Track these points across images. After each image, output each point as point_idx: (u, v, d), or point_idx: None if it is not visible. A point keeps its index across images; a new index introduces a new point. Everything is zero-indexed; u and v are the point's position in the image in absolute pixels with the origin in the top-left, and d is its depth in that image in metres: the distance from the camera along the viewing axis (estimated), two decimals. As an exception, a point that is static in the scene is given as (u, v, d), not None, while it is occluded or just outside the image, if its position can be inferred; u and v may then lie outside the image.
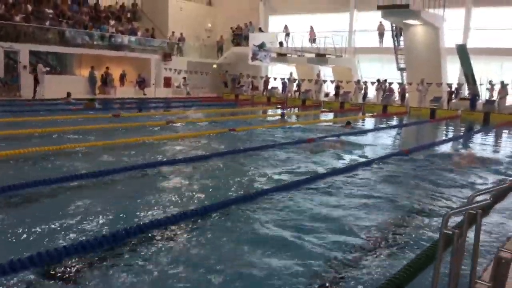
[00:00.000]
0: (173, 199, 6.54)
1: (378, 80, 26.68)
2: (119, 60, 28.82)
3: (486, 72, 23.83)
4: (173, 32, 31.80)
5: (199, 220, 5.57)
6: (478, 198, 3.01)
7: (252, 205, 6.32)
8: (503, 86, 22.79)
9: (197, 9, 34.68)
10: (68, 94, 21.01)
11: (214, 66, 34.18)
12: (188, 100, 26.57)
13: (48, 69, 23.78)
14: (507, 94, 22.96)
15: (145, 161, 8.77)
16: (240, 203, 6.32)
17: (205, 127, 14.75)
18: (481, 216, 3.04)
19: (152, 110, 20.67)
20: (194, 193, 6.87)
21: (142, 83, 28.26)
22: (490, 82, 23.41)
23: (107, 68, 27.50)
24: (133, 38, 29.50)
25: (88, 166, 8.16)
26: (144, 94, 27.46)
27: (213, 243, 4.89)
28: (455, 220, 5.39)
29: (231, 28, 33.88)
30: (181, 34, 32.12)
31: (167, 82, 30.48)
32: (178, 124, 14.95)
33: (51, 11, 26.81)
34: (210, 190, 7.07)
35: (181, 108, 21.08)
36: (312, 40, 29.90)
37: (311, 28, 30.34)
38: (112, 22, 29.67)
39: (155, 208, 6.02)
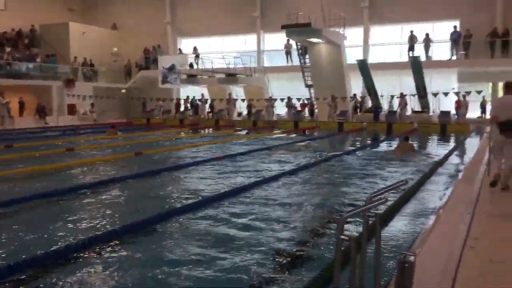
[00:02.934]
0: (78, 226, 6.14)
1: (288, 98, 27.24)
2: (17, 89, 26.78)
3: (386, 84, 25.25)
4: (75, 57, 30.31)
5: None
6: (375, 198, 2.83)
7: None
8: (402, 97, 24.24)
9: (102, 34, 33.42)
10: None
11: (123, 91, 33.02)
12: (95, 126, 25.24)
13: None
14: (406, 105, 24.47)
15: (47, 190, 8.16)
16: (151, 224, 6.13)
17: (110, 152, 13.98)
18: (380, 218, 2.86)
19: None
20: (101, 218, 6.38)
21: (42, 111, 26.41)
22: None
23: (3, 97, 25.37)
24: (31, 65, 27.62)
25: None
26: (46, 123, 25.66)
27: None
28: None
29: (144, 50, 33.02)
30: (85, 59, 30.70)
31: (71, 109, 28.84)
32: (82, 152, 14.04)
33: None
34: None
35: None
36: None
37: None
38: (8, 49, 27.62)
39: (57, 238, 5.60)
